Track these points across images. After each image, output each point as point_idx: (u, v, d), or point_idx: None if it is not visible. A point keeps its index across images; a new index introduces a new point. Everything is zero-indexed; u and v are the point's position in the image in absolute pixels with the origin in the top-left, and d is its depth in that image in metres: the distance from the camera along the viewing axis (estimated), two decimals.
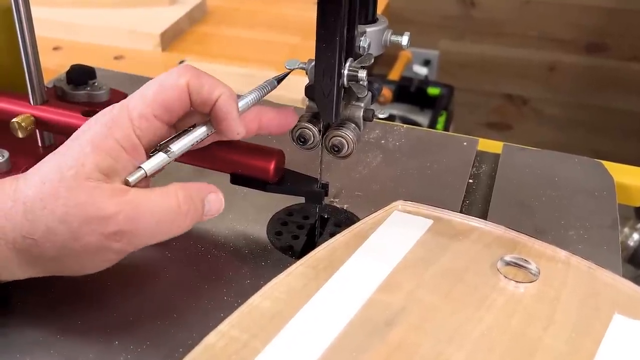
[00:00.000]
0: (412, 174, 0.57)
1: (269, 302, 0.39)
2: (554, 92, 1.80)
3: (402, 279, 0.41)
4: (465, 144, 0.62)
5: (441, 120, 1.65)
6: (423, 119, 1.64)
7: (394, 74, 1.70)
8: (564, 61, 1.75)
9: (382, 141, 0.62)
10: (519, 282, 0.41)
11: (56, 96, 0.62)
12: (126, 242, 0.37)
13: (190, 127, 0.42)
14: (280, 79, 0.46)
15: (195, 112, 0.42)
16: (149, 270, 0.46)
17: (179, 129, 0.42)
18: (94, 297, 0.44)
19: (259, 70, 1.05)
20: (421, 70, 1.81)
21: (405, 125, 0.64)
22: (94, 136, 0.38)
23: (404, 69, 1.78)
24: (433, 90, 1.69)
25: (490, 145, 0.63)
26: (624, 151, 1.73)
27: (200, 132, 0.42)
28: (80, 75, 0.62)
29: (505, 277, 0.41)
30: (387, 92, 1.56)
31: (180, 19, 1.18)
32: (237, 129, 0.41)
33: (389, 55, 1.77)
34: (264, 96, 0.44)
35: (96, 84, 0.62)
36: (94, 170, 0.37)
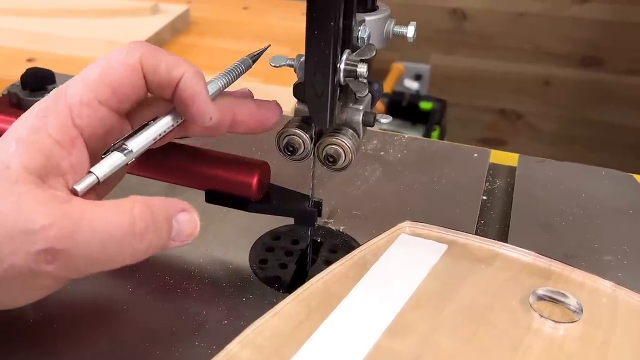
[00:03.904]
0: (418, 190, 0.50)
1: (249, 352, 0.31)
2: (549, 106, 1.76)
3: (414, 319, 0.33)
4: (475, 155, 0.54)
5: (434, 135, 1.60)
6: (415, 134, 1.59)
7: (386, 87, 1.64)
8: (558, 75, 1.71)
9: (382, 152, 0.54)
10: (558, 322, 0.33)
11: (10, 104, 0.55)
12: (61, 264, 0.29)
13: (151, 121, 0.34)
14: (255, 57, 0.39)
15: (156, 101, 0.35)
16: (106, 307, 0.38)
17: (137, 123, 0.35)
18: (38, 340, 0.36)
19: (246, 82, 0.99)
20: (412, 85, 1.77)
21: (406, 135, 0.57)
22: (21, 131, 0.31)
23: (396, 82, 1.73)
24: (425, 105, 1.64)
25: (504, 157, 0.56)
26: (621, 167, 1.66)
27: (163, 123, 0.34)
28: (37, 79, 0.55)
29: (541, 315, 0.34)
30: (380, 106, 1.50)
31: (162, 29, 1.14)
32: (209, 112, 0.34)
33: (381, 68, 1.72)
34: (237, 78, 0.37)
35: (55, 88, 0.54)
36: (21, 172, 0.29)
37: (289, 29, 1.20)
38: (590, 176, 0.52)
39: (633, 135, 1.71)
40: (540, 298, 0.35)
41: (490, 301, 0.35)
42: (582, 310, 0.34)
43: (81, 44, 1.08)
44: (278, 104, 0.38)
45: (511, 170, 0.54)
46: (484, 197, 0.50)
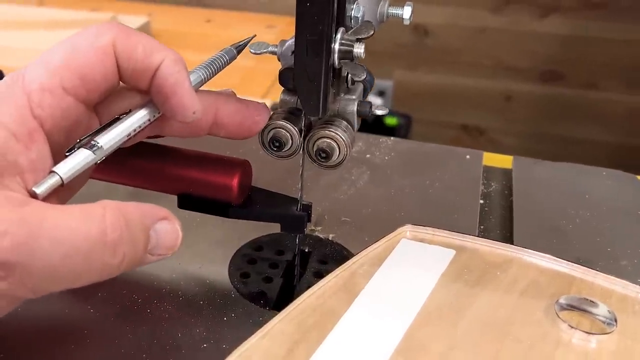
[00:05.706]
0: (410, 195, 0.46)
1: None
2: (511, 122, 1.76)
3: (426, 336, 0.29)
4: (468, 157, 0.51)
5: None
6: None
7: None
8: (520, 90, 1.71)
9: (367, 155, 0.50)
10: (590, 333, 0.29)
11: None
12: (15, 281, 0.24)
13: (123, 114, 0.29)
14: (240, 48, 0.34)
15: (128, 91, 0.30)
16: (63, 331, 0.33)
17: (106, 117, 0.30)
18: None
19: None
20: (376, 101, 1.75)
21: (392, 138, 0.53)
22: None
23: None
24: (391, 120, 1.62)
25: (496, 159, 0.52)
26: None
27: (137, 118, 0.29)
28: None
29: (570, 326, 0.30)
30: None
31: None
32: (192, 106, 0.29)
33: None
34: (220, 70, 0.33)
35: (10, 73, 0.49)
36: None
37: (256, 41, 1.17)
38: (590, 177, 0.48)
39: (594, 149, 1.72)
40: (564, 308, 0.31)
41: (510, 313, 0.30)
42: (615, 320, 0.30)
43: (38, 56, 1.04)
44: (266, 106, 0.33)
45: (505, 173, 0.50)
46: (481, 201, 0.46)
